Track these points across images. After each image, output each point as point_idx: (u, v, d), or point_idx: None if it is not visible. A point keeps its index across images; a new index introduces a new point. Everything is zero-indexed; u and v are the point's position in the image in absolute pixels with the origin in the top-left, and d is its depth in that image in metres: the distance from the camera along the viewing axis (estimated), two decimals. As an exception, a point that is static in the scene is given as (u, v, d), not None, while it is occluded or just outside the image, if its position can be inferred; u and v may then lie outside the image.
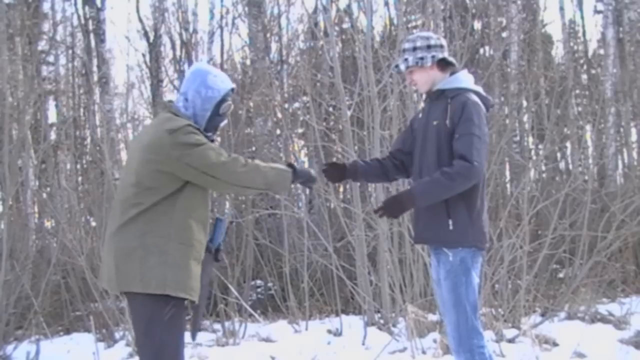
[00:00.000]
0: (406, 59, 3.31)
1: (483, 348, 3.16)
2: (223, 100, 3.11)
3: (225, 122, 3.20)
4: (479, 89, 3.34)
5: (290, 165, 3.12)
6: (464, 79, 3.32)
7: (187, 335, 3.10)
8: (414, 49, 3.30)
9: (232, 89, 3.16)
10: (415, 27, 8.61)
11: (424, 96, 3.52)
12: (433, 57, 3.28)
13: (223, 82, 3.12)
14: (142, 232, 2.92)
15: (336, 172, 3.51)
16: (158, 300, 2.89)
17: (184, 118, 3.05)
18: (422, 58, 3.27)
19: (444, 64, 3.31)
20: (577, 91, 13.11)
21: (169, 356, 2.91)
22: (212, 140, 3.18)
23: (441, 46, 3.32)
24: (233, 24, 13.33)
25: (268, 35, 11.36)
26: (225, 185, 3.00)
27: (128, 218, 2.94)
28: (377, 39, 9.61)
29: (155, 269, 2.88)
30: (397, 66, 3.37)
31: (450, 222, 3.13)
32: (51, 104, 13.36)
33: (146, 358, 2.94)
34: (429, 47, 3.29)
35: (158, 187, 2.93)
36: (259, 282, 8.84)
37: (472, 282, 3.17)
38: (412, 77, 3.36)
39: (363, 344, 6.03)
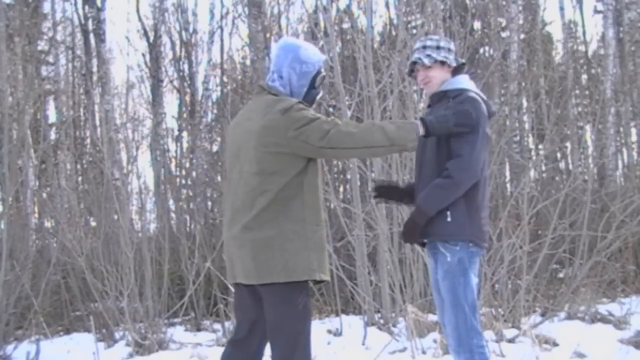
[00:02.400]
0: (429, 55, 3.34)
1: (483, 348, 3.18)
2: (318, 72, 3.06)
3: (321, 94, 3.12)
4: (481, 93, 3.38)
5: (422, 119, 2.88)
6: (466, 81, 3.38)
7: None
8: (438, 47, 3.36)
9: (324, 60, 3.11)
10: (415, 27, 8.61)
11: (422, 97, 3.54)
12: (456, 60, 3.38)
13: (315, 55, 3.05)
14: (277, 220, 2.84)
15: (392, 194, 3.51)
16: (295, 288, 2.84)
17: (285, 96, 2.98)
18: (446, 57, 3.35)
19: (456, 70, 3.39)
20: (577, 91, 13.12)
21: (303, 344, 2.88)
22: None
23: (456, 54, 3.44)
24: (233, 24, 13.37)
25: (268, 35, 11.36)
26: (347, 152, 2.90)
27: (259, 208, 2.85)
28: (377, 39, 9.61)
29: (298, 255, 2.82)
30: (419, 58, 3.37)
31: (448, 213, 3.15)
32: (51, 104, 13.39)
33: (281, 347, 2.88)
34: (449, 50, 3.38)
35: (282, 170, 2.86)
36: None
37: (470, 283, 3.18)
38: (428, 73, 3.37)
39: (363, 344, 6.03)
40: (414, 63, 3.41)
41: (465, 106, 3.17)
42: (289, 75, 3.00)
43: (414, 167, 3.45)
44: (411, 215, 3.21)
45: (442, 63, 3.34)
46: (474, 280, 3.21)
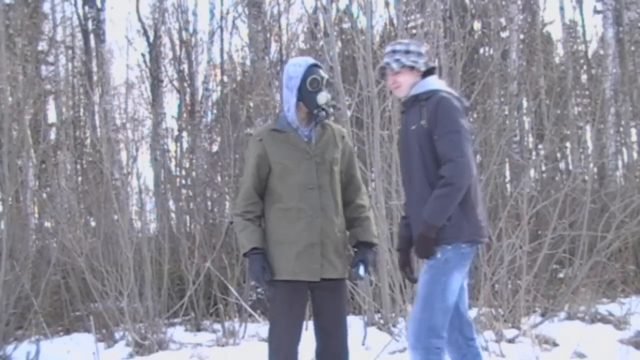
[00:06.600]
0: (398, 59, 3.31)
1: (440, 350, 3.14)
2: (305, 79, 3.23)
3: (323, 93, 3.24)
4: (452, 91, 3.37)
5: (258, 250, 3.24)
6: (435, 82, 3.36)
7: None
8: (407, 52, 3.33)
9: (314, 64, 3.27)
10: (414, 27, 8.62)
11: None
12: (425, 63, 3.36)
13: (301, 66, 3.27)
14: None
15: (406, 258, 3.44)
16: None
17: (281, 120, 3.32)
18: (415, 62, 3.32)
19: (426, 73, 3.36)
20: (577, 91, 13.12)
21: (271, 331, 3.42)
22: (317, 116, 3.26)
23: (428, 56, 3.44)
24: (233, 24, 13.36)
25: (268, 35, 11.37)
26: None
27: None
28: (377, 39, 9.61)
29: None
30: (388, 63, 3.34)
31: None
32: (51, 104, 13.37)
33: None
34: (419, 54, 3.36)
35: None
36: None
37: (451, 285, 3.14)
38: (396, 78, 3.35)
39: (363, 344, 6.02)
40: (384, 68, 3.38)
41: (439, 110, 3.15)
42: (286, 94, 3.29)
43: (401, 176, 3.47)
44: (420, 232, 3.16)
45: (411, 68, 3.31)
46: (459, 282, 3.19)
